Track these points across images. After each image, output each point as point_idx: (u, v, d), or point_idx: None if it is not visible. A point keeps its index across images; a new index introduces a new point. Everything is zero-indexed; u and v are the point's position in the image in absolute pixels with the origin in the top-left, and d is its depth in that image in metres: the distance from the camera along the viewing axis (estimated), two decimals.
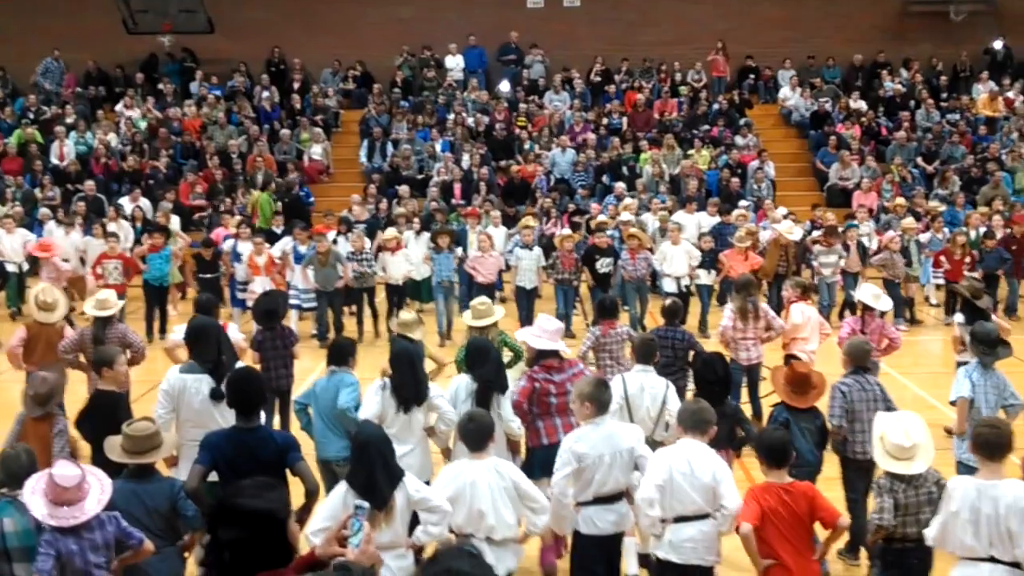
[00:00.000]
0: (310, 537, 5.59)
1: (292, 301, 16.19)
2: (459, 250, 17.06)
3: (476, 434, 6.44)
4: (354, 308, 16.43)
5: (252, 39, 26.37)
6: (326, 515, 5.85)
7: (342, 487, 6.01)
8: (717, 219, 18.31)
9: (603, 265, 15.90)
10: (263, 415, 7.66)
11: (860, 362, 8.30)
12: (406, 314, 9.61)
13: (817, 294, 11.38)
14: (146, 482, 6.37)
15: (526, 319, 15.78)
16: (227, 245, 16.89)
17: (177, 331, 10.45)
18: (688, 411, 6.56)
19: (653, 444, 7.28)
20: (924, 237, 17.95)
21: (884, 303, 10.61)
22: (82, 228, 18.57)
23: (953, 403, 8.53)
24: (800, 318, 11.00)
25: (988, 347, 8.42)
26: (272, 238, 17.54)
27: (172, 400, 7.77)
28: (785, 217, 18.38)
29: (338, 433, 8.02)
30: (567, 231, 16.58)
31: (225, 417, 7.37)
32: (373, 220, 19.53)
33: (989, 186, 21.59)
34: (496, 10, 26.94)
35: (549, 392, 7.94)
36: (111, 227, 17.92)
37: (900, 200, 20.02)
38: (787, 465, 6.35)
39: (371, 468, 5.94)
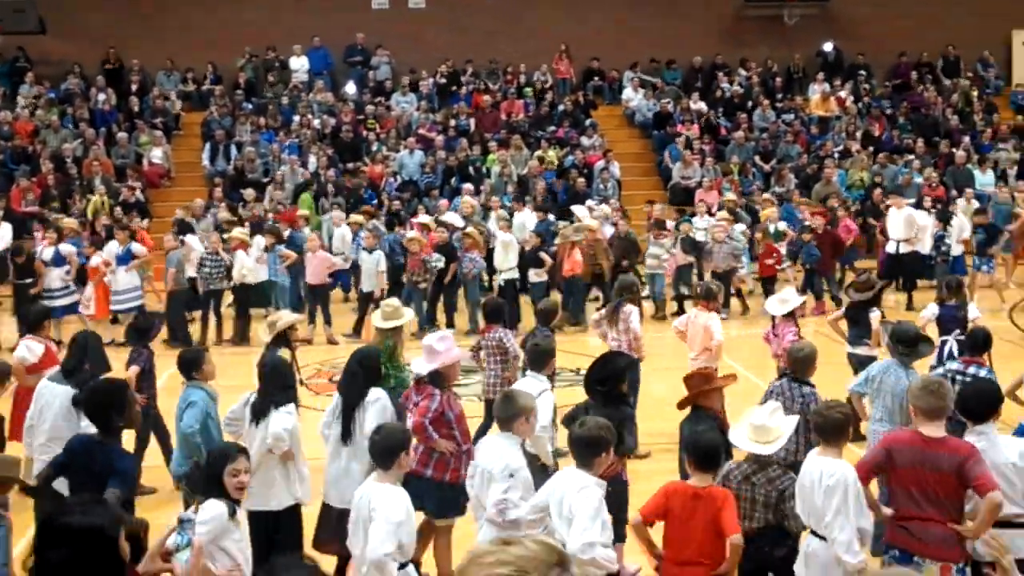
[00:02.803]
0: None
1: (112, 307, 16.30)
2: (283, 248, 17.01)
3: (374, 448, 6.06)
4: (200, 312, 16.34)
5: (86, 40, 25.43)
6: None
7: None
8: (550, 217, 18.84)
9: (431, 260, 16.14)
10: None
11: (798, 369, 8.04)
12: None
13: (715, 300, 11.18)
14: None
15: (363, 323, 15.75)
16: (47, 254, 16.24)
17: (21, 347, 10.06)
18: (569, 438, 6.15)
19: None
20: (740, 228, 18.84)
21: (787, 306, 10.38)
22: None
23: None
24: (680, 323, 11.12)
25: (907, 346, 8.15)
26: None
27: (36, 405, 7.81)
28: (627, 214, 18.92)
29: (183, 450, 7.70)
30: (413, 233, 16.67)
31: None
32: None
33: (822, 183, 22.39)
34: (340, 12, 26.54)
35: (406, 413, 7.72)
36: None
37: (730, 195, 20.72)
38: (714, 471, 6.19)
39: None
